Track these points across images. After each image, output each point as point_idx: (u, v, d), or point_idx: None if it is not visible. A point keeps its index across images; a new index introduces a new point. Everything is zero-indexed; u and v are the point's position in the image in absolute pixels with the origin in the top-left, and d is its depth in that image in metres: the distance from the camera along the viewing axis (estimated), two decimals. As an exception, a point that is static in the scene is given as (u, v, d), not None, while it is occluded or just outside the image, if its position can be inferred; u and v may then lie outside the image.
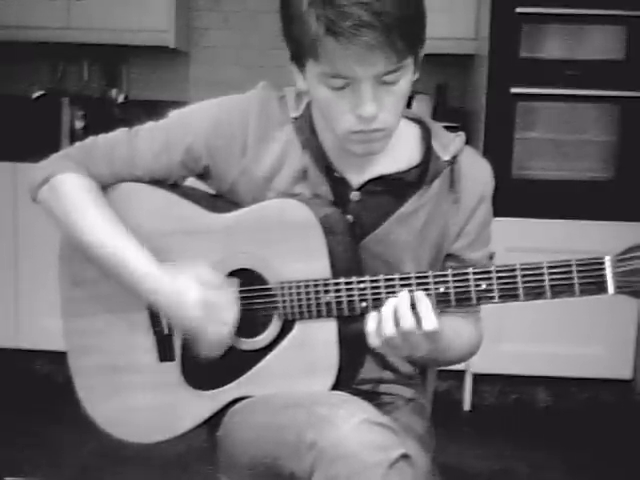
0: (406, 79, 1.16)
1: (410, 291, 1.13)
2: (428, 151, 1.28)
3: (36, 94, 3.56)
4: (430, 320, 1.10)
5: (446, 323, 1.21)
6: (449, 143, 1.29)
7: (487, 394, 3.23)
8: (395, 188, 1.27)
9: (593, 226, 2.99)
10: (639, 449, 2.84)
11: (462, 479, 2.58)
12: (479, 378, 3.16)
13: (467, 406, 3.18)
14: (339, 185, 1.27)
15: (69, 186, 1.29)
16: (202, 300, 1.21)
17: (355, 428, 1.05)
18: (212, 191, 1.35)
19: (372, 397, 1.32)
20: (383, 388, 1.36)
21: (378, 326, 1.12)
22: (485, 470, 2.66)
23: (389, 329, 1.10)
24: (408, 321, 1.10)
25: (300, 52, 1.15)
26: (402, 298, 1.12)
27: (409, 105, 3.55)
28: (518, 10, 2.92)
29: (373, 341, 1.12)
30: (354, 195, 1.27)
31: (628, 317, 3.08)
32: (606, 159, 3.04)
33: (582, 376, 3.13)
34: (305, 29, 1.10)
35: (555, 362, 3.10)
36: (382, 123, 1.16)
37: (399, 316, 1.11)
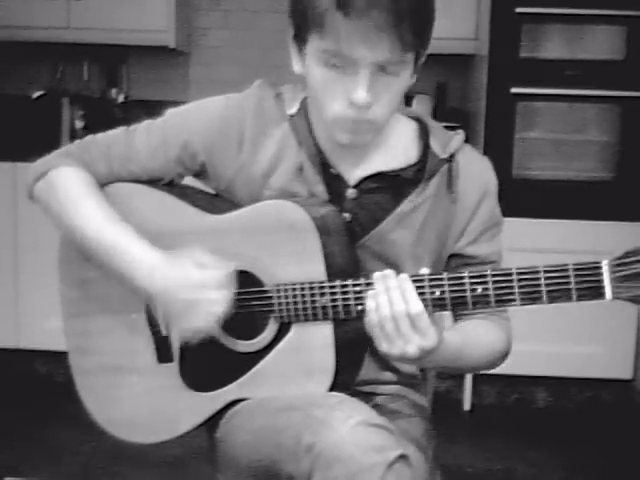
0: (404, 77, 1.15)
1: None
2: (426, 149, 1.28)
3: (36, 94, 3.55)
4: (414, 303, 1.09)
5: (457, 332, 1.21)
6: (447, 141, 1.28)
7: (487, 394, 3.23)
8: (392, 186, 1.27)
9: (593, 226, 2.99)
10: (639, 449, 2.83)
11: (462, 479, 2.58)
12: (479, 378, 3.16)
13: (467, 406, 3.18)
14: (335, 182, 1.27)
15: (65, 178, 1.29)
16: (193, 283, 1.18)
17: (352, 430, 1.04)
18: (210, 190, 1.34)
19: (371, 398, 1.32)
20: (383, 389, 1.36)
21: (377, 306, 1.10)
22: (485, 470, 2.66)
23: (384, 308, 1.09)
24: (398, 303, 1.08)
25: (304, 27, 1.14)
26: (392, 282, 1.10)
27: (409, 105, 3.54)
28: (518, 10, 2.92)
29: (372, 319, 1.10)
30: (350, 192, 1.27)
31: (628, 317, 3.08)
32: (606, 159, 3.04)
33: (582, 376, 3.13)
34: (314, 2, 1.10)
35: (555, 362, 3.10)
36: (373, 115, 1.15)
37: (390, 296, 1.09)
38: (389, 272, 1.12)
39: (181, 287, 1.19)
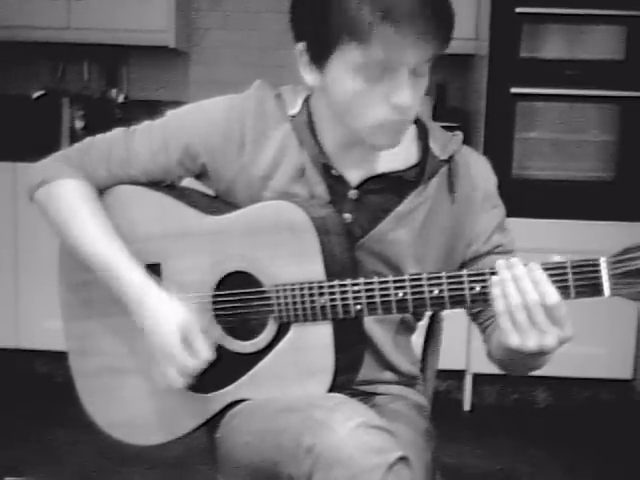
0: (428, 76, 1.19)
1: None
2: (425, 150, 1.28)
3: (36, 94, 3.56)
4: (550, 293, 1.03)
5: None
6: (446, 143, 1.29)
7: (487, 394, 3.23)
8: (393, 187, 1.27)
9: (593, 226, 2.99)
10: (639, 449, 2.84)
11: (462, 479, 2.58)
12: (479, 378, 3.16)
13: (467, 406, 3.18)
14: (337, 183, 1.27)
15: (66, 192, 1.29)
16: (170, 350, 1.21)
17: (352, 432, 1.04)
18: (209, 191, 1.34)
19: (371, 398, 1.32)
20: (383, 389, 1.36)
21: (504, 296, 1.06)
22: (485, 470, 2.66)
23: (514, 297, 1.04)
24: (531, 292, 1.04)
25: (333, 40, 1.13)
26: (519, 270, 1.05)
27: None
28: (518, 10, 2.92)
29: (499, 306, 1.06)
30: (352, 193, 1.27)
31: (628, 317, 3.08)
32: (606, 159, 3.04)
33: (582, 376, 3.13)
34: (354, 16, 1.09)
35: (555, 362, 3.08)
36: (411, 115, 1.20)
37: (520, 286, 1.04)
38: (515, 260, 1.07)
39: (164, 332, 1.22)
